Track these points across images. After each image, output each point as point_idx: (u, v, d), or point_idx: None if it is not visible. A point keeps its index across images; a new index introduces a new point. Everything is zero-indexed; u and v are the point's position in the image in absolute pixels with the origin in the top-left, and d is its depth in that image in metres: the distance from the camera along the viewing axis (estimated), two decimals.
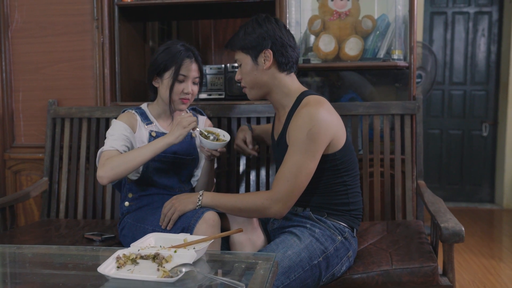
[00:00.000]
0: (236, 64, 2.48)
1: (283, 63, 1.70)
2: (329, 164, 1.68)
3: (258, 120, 2.39)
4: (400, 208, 2.23)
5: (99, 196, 2.43)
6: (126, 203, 1.97)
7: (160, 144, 1.78)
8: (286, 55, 1.70)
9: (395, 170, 2.26)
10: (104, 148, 1.84)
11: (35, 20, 2.54)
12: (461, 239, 1.65)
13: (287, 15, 2.41)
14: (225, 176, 2.34)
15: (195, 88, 1.95)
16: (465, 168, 5.14)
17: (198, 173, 2.08)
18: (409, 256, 1.74)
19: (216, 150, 1.85)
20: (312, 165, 1.61)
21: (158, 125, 1.97)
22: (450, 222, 1.69)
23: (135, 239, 1.79)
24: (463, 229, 1.65)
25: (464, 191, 5.15)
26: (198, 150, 2.05)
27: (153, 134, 1.93)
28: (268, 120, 2.37)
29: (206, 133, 1.84)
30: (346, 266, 1.71)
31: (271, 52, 1.68)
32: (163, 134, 1.94)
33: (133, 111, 1.97)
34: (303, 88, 1.75)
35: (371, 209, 2.28)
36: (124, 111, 1.98)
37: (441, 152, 5.17)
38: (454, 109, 5.13)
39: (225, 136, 1.87)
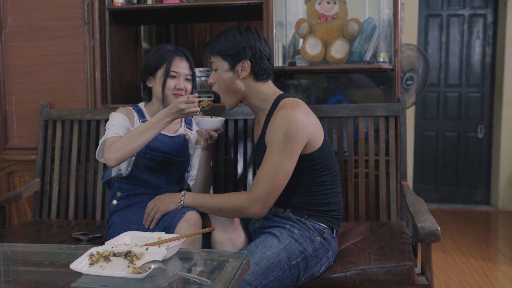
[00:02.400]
0: None
1: (259, 74, 1.73)
2: (308, 164, 1.71)
3: (245, 122, 2.42)
4: (384, 209, 2.26)
5: (90, 197, 2.47)
6: (114, 202, 2.01)
7: (162, 123, 1.77)
8: (263, 67, 1.73)
9: (380, 171, 2.28)
10: (108, 135, 1.87)
11: (27, 24, 2.59)
12: (437, 238, 1.67)
13: (274, 18, 2.45)
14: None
15: (188, 85, 1.99)
16: (460, 170, 5.16)
17: (193, 172, 2.10)
18: (387, 255, 1.77)
19: (215, 131, 1.86)
20: (289, 166, 1.65)
21: None
22: (427, 222, 1.72)
23: None
24: (439, 228, 1.68)
25: (460, 193, 5.16)
26: (190, 152, 2.09)
27: None
28: None
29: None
30: (326, 266, 1.74)
31: (249, 63, 1.70)
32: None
33: (131, 108, 2.02)
34: (279, 92, 1.78)
35: (356, 210, 2.31)
36: (121, 107, 2.03)
37: (437, 154, 5.18)
38: (450, 111, 5.14)
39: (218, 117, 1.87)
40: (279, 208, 1.79)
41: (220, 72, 1.74)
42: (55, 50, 2.59)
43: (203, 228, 1.72)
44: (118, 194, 2.01)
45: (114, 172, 2.03)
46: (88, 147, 2.50)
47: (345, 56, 2.47)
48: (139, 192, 2.02)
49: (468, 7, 5.03)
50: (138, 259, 1.16)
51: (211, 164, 2.07)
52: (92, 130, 2.49)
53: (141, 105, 2.07)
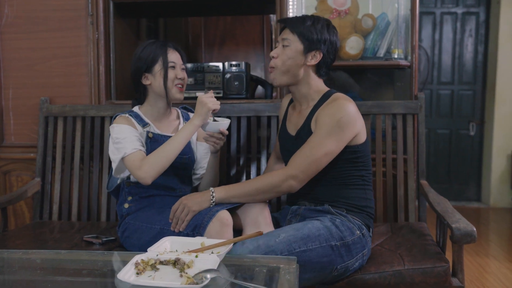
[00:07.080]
0: (234, 62, 2.45)
1: (322, 69, 1.77)
2: (351, 155, 1.72)
3: (258, 119, 2.35)
4: (402, 208, 2.22)
5: (94, 198, 2.35)
6: (126, 205, 1.91)
7: (190, 129, 1.76)
8: (328, 65, 1.78)
9: (398, 170, 2.24)
10: (127, 152, 1.77)
11: (26, 15, 2.45)
12: (473, 239, 1.64)
13: (288, 12, 2.37)
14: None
15: (185, 75, 1.95)
16: (452, 167, 5.19)
17: (200, 171, 2.02)
18: (420, 257, 1.73)
19: (221, 134, 1.83)
20: (333, 146, 1.64)
21: (153, 127, 1.92)
22: (461, 222, 1.68)
23: (140, 240, 1.75)
24: (474, 229, 1.64)
25: (452, 190, 5.19)
26: (194, 148, 2.01)
27: (150, 135, 1.88)
28: (268, 119, 2.33)
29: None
30: (360, 263, 1.69)
31: (321, 56, 1.74)
32: (159, 135, 1.90)
33: (127, 115, 1.90)
34: (328, 88, 1.81)
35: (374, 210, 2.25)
36: (117, 116, 1.90)
37: (429, 151, 5.20)
38: (442, 108, 5.17)
39: (223, 120, 1.85)
40: (318, 204, 1.75)
41: (291, 51, 1.73)
42: (56, 43, 2.45)
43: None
44: (129, 198, 1.92)
45: (124, 179, 1.92)
46: (92, 144, 2.38)
47: (360, 52, 2.41)
48: (151, 194, 1.93)
49: (461, 5, 5.05)
50: (188, 267, 1.07)
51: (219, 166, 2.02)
52: (97, 127, 2.37)
53: (136, 109, 1.96)
